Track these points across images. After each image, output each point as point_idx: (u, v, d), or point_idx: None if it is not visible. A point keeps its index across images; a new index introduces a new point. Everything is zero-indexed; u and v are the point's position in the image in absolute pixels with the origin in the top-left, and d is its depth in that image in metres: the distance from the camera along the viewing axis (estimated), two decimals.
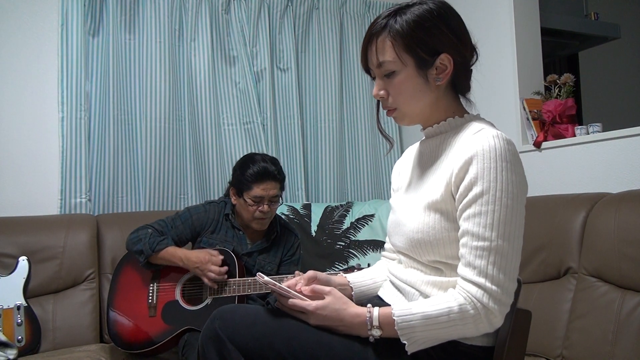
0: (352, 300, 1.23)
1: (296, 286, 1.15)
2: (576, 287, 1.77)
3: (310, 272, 1.21)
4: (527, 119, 2.40)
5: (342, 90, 3.10)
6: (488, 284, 0.96)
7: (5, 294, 1.99)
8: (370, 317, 1.04)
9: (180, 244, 2.04)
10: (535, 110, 2.37)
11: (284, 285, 1.12)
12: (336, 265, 2.61)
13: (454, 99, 1.16)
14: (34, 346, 1.98)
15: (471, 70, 1.15)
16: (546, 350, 1.75)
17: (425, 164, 1.19)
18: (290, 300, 1.08)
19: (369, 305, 1.07)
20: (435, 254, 1.07)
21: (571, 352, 1.68)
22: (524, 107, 2.40)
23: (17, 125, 2.43)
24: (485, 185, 0.98)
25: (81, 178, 2.45)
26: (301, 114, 2.98)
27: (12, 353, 1.81)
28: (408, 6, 1.09)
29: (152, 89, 2.61)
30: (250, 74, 2.83)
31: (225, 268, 1.88)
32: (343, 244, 2.68)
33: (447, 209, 1.05)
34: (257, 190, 1.96)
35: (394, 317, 1.01)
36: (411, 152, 1.32)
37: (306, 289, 1.12)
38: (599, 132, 2.14)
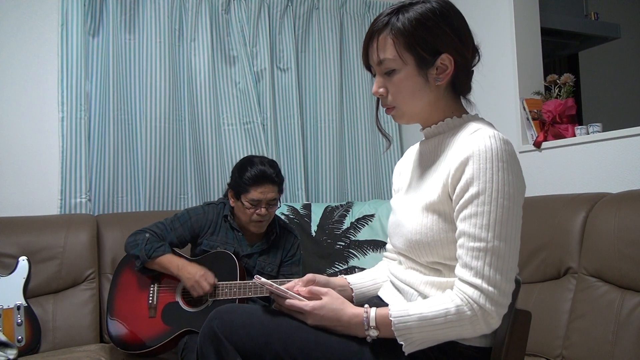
0: (352, 301, 1.24)
1: (294, 288, 1.15)
2: (576, 287, 1.77)
3: (309, 275, 1.21)
4: (527, 119, 2.39)
5: (342, 90, 3.10)
6: (485, 285, 0.96)
7: (5, 294, 1.99)
8: (368, 318, 1.04)
9: (180, 245, 2.04)
10: (535, 110, 2.37)
11: (281, 287, 1.12)
12: (336, 266, 2.61)
13: (454, 99, 1.15)
14: (34, 346, 1.98)
15: (472, 71, 1.15)
16: (546, 350, 1.75)
17: (424, 164, 1.19)
18: (288, 300, 1.09)
19: (366, 305, 1.07)
20: (433, 255, 1.07)
21: (571, 352, 1.68)
22: (524, 107, 2.40)
23: (17, 125, 2.43)
24: (481, 186, 0.98)
25: (81, 178, 2.45)
26: (301, 114, 2.98)
27: (12, 353, 1.81)
28: (411, 4, 1.09)
29: (152, 89, 2.61)
30: (250, 74, 2.83)
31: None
32: (343, 244, 2.68)
33: (444, 210, 1.05)
34: (255, 194, 1.96)
35: (390, 318, 1.01)
36: (412, 152, 1.32)
37: (304, 291, 1.12)
38: (599, 132, 2.14)
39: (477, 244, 0.97)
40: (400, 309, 1.02)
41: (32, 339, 1.98)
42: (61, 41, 2.47)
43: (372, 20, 1.13)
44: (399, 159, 1.39)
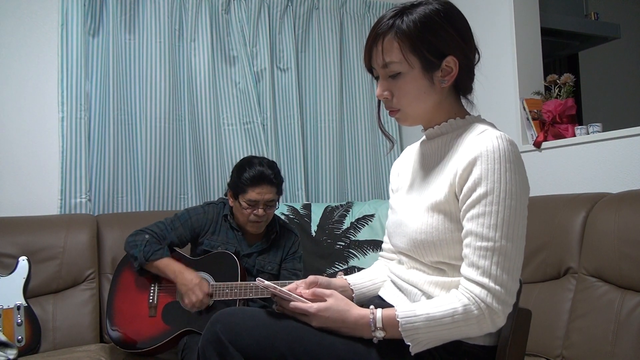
0: (352, 302, 1.24)
1: (296, 290, 1.14)
2: (576, 287, 1.77)
3: (311, 277, 1.21)
4: (527, 119, 2.40)
5: (342, 90, 3.10)
6: (492, 284, 0.96)
7: (5, 294, 1.99)
8: (374, 319, 1.03)
9: (180, 245, 2.04)
10: (535, 110, 2.37)
11: (284, 289, 1.11)
12: (336, 266, 2.61)
13: (456, 100, 1.16)
14: (34, 346, 1.98)
15: (474, 72, 1.15)
16: (546, 350, 1.75)
17: (427, 165, 1.18)
18: (292, 303, 1.08)
19: (371, 306, 1.06)
20: (438, 255, 1.07)
21: (571, 352, 1.68)
22: (524, 107, 2.40)
23: (17, 125, 2.43)
24: (489, 186, 0.98)
25: (81, 178, 2.45)
26: (301, 114, 2.98)
27: (12, 353, 1.81)
28: (413, 6, 1.08)
29: (152, 89, 2.61)
30: (250, 74, 2.83)
31: (207, 301, 1.85)
32: (343, 244, 2.68)
33: (450, 210, 1.05)
34: (252, 194, 1.96)
35: (397, 319, 1.01)
36: (410, 152, 1.32)
37: (307, 293, 1.11)
38: (599, 132, 2.14)
39: (484, 244, 0.98)
40: (407, 309, 1.02)
41: (32, 339, 1.98)
42: (61, 41, 2.47)
43: (372, 21, 1.13)
44: None
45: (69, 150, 2.44)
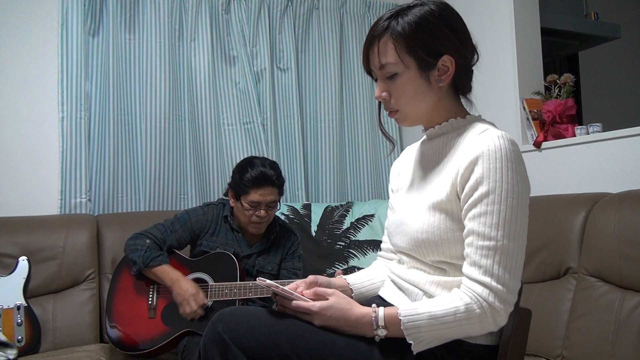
0: None
1: (297, 289, 1.15)
2: (576, 287, 1.77)
3: (311, 277, 1.21)
4: (527, 119, 2.40)
5: (342, 90, 3.10)
6: (494, 283, 0.97)
7: (5, 294, 1.99)
8: (376, 317, 1.04)
9: (179, 248, 2.04)
10: (535, 110, 2.37)
11: (286, 288, 1.11)
12: (336, 266, 2.61)
13: (455, 99, 1.16)
14: (34, 346, 1.98)
15: (472, 70, 1.16)
16: (546, 350, 1.75)
17: (428, 164, 1.19)
18: (294, 302, 1.08)
19: (373, 305, 1.07)
20: (439, 254, 1.07)
21: (571, 352, 1.68)
22: (524, 107, 2.40)
23: (17, 125, 2.43)
24: (491, 185, 0.99)
25: (81, 178, 2.45)
26: (301, 114, 2.98)
27: (12, 353, 1.81)
28: (409, 7, 1.10)
29: (152, 89, 2.61)
30: (250, 74, 2.83)
31: (201, 312, 1.85)
32: (343, 244, 2.68)
33: (452, 209, 1.05)
34: (255, 195, 1.95)
35: (400, 318, 1.01)
36: (411, 152, 1.32)
37: (308, 292, 1.11)
38: (599, 132, 2.14)
39: (486, 243, 0.98)
40: (409, 308, 1.02)
41: (32, 339, 1.98)
42: (61, 41, 2.46)
43: (372, 21, 1.13)
44: None
45: (68, 150, 2.44)
